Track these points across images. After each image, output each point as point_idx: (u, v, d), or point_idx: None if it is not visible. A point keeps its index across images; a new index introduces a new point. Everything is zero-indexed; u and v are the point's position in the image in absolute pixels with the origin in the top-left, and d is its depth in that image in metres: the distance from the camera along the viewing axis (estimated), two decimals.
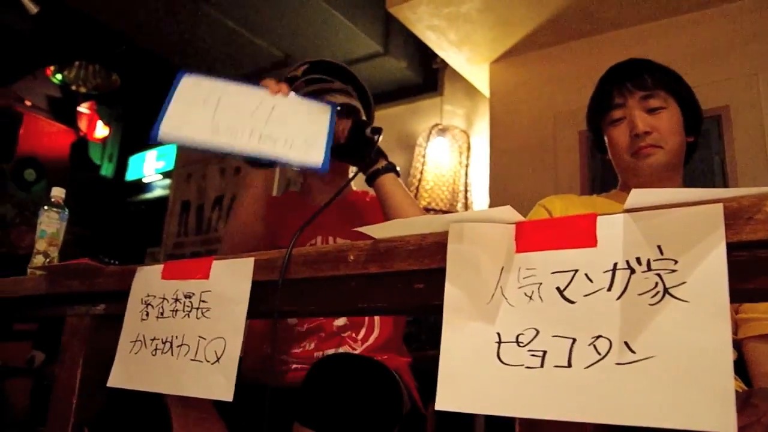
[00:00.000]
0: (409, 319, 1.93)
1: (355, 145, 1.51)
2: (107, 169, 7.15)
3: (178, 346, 1.06)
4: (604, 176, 3.28)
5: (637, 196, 0.68)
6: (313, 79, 1.70)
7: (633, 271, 0.66)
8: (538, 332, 0.70)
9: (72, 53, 5.52)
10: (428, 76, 4.77)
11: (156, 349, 1.10)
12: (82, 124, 6.88)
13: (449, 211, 4.03)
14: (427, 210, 3.97)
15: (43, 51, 5.33)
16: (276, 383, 1.53)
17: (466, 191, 4.20)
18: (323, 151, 1.37)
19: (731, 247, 0.62)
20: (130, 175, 7.10)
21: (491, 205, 3.32)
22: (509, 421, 0.74)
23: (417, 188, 4.14)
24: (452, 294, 0.77)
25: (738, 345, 1.37)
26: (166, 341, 1.09)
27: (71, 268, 1.32)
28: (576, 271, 0.70)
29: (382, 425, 1.17)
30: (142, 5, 4.23)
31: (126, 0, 4.24)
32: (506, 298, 0.73)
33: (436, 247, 0.82)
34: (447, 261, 0.79)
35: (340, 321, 1.59)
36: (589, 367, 0.65)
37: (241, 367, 0.99)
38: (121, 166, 7.20)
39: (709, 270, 0.62)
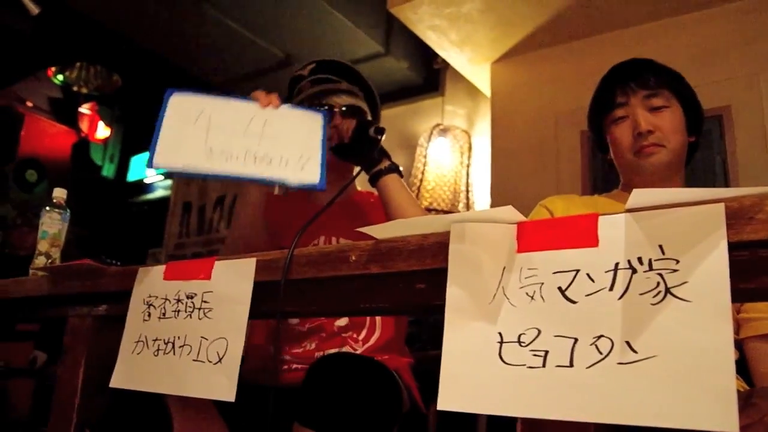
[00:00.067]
0: (410, 319, 1.93)
1: (358, 145, 1.51)
2: (108, 170, 7.16)
3: (180, 347, 1.07)
4: (605, 176, 3.28)
5: (639, 196, 0.68)
6: (320, 78, 1.70)
7: (634, 271, 0.66)
8: (539, 332, 0.70)
9: (73, 54, 5.53)
10: (429, 76, 4.77)
11: (158, 350, 1.10)
12: (84, 125, 6.89)
13: (450, 212, 4.03)
14: (429, 210, 3.97)
15: (44, 52, 5.34)
16: (276, 383, 1.53)
17: (467, 191, 4.20)
18: (319, 168, 1.39)
19: (732, 247, 0.62)
20: (132, 176, 7.11)
21: (493, 206, 3.32)
22: (511, 420, 0.74)
23: (418, 188, 4.14)
24: (454, 294, 0.77)
25: (739, 345, 1.37)
26: (168, 342, 1.09)
27: (73, 269, 1.32)
28: (577, 271, 0.70)
29: (381, 424, 1.17)
30: (144, 6, 4.24)
31: (127, 1, 4.24)
32: (508, 298, 0.73)
33: (437, 247, 0.82)
34: (449, 261, 0.79)
35: (342, 321, 1.59)
36: (590, 366, 0.65)
37: (242, 368, 0.99)
38: (123, 167, 7.21)
39: (710, 270, 0.62)
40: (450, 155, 4.25)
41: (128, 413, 1.27)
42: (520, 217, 0.78)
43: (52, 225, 1.62)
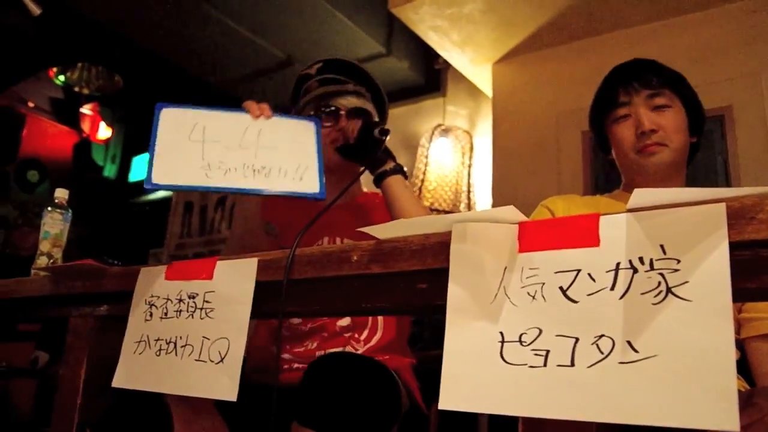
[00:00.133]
0: (411, 319, 1.93)
1: (363, 146, 1.52)
2: (110, 171, 7.17)
3: (182, 347, 1.07)
4: (606, 176, 3.28)
5: (640, 196, 0.68)
6: (327, 78, 1.71)
7: (636, 271, 0.66)
8: (541, 331, 0.70)
9: (75, 55, 5.54)
10: (431, 76, 4.77)
11: (160, 350, 1.10)
12: (85, 126, 6.90)
13: (452, 212, 4.03)
14: (430, 210, 3.97)
15: (45, 52, 5.34)
16: (277, 382, 1.53)
17: (468, 192, 4.20)
18: (317, 177, 1.39)
19: (734, 247, 0.62)
20: (133, 176, 7.11)
21: (494, 206, 3.32)
22: (513, 420, 0.74)
23: (420, 189, 4.15)
24: (455, 294, 0.77)
25: (740, 345, 1.37)
26: (170, 341, 1.09)
27: (75, 269, 1.32)
28: (579, 270, 0.70)
29: (380, 424, 1.17)
30: (145, 6, 4.24)
31: (128, 1, 4.25)
32: (509, 298, 0.74)
33: (439, 247, 0.82)
34: (450, 261, 0.79)
35: (344, 321, 1.59)
36: (592, 366, 0.65)
37: (244, 368, 0.99)
38: (124, 168, 7.22)
39: (711, 269, 0.62)
40: (451, 155, 4.25)
41: (129, 413, 1.27)
42: (522, 217, 0.78)
43: (54, 225, 1.62)
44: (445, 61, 4.20)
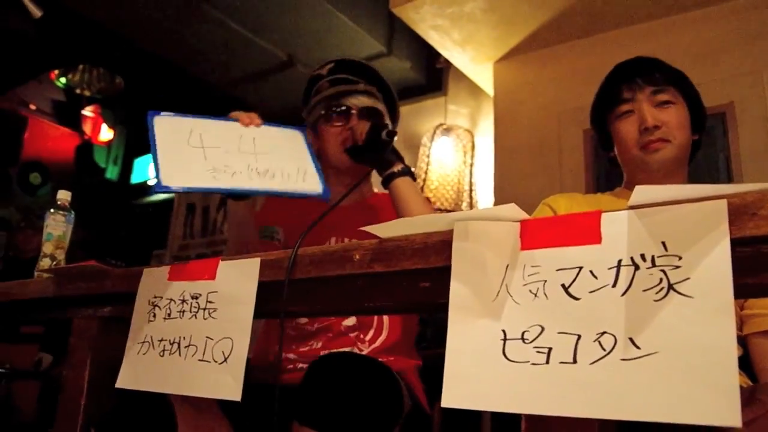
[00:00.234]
0: (418, 320, 1.92)
1: (371, 148, 1.53)
2: (112, 172, 7.18)
3: (185, 347, 1.07)
4: (608, 174, 3.28)
5: (641, 193, 0.68)
6: (338, 79, 1.71)
7: (637, 268, 0.66)
8: (543, 329, 0.70)
9: (76, 57, 5.54)
10: (432, 75, 4.77)
11: (164, 350, 1.10)
12: (87, 128, 6.91)
13: (454, 211, 4.03)
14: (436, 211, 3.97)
15: (47, 55, 5.35)
16: (278, 381, 1.53)
17: (470, 190, 4.20)
18: (318, 178, 1.43)
19: (735, 243, 0.62)
20: (135, 178, 7.12)
21: (496, 204, 3.32)
22: (515, 417, 0.74)
23: (422, 188, 4.15)
24: (458, 292, 0.78)
25: (743, 341, 1.37)
26: (174, 342, 1.09)
27: (78, 271, 1.33)
28: (581, 268, 0.70)
29: (381, 424, 1.17)
30: (146, 8, 4.24)
31: (129, 3, 4.25)
32: (511, 296, 0.74)
33: (441, 245, 0.83)
34: (452, 259, 0.79)
35: (349, 321, 1.59)
36: (594, 363, 0.65)
37: (248, 368, 0.99)
38: (126, 169, 7.23)
39: (713, 266, 0.62)
40: (453, 154, 4.25)
41: (132, 414, 1.27)
42: (524, 215, 0.78)
43: (57, 227, 1.63)
44: (447, 61, 4.20)
